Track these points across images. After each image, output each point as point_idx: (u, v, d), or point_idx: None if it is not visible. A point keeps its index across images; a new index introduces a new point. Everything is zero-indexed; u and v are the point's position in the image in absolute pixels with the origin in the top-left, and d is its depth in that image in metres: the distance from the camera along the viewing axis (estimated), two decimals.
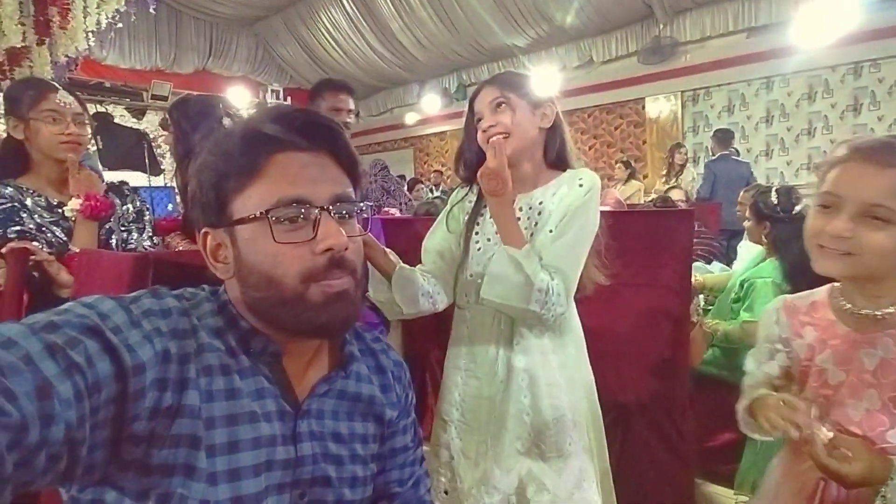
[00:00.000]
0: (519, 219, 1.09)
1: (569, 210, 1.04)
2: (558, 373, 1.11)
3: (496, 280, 1.00)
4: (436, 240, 1.19)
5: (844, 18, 5.01)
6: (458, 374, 1.16)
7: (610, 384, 1.66)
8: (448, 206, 1.22)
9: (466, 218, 1.17)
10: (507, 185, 1.00)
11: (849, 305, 0.82)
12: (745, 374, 0.97)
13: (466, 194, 1.20)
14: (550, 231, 1.04)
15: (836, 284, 0.86)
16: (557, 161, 1.14)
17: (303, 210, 0.58)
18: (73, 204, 1.28)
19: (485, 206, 1.14)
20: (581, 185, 1.06)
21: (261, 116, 0.61)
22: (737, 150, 5.22)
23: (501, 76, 1.13)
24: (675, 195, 3.94)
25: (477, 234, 1.15)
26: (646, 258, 1.70)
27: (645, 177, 6.46)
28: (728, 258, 3.37)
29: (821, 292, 0.89)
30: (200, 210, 0.62)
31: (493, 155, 1.00)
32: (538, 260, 1.01)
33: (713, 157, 4.91)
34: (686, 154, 5.29)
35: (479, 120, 1.10)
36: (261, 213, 0.57)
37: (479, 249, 1.13)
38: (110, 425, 0.49)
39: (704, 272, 2.56)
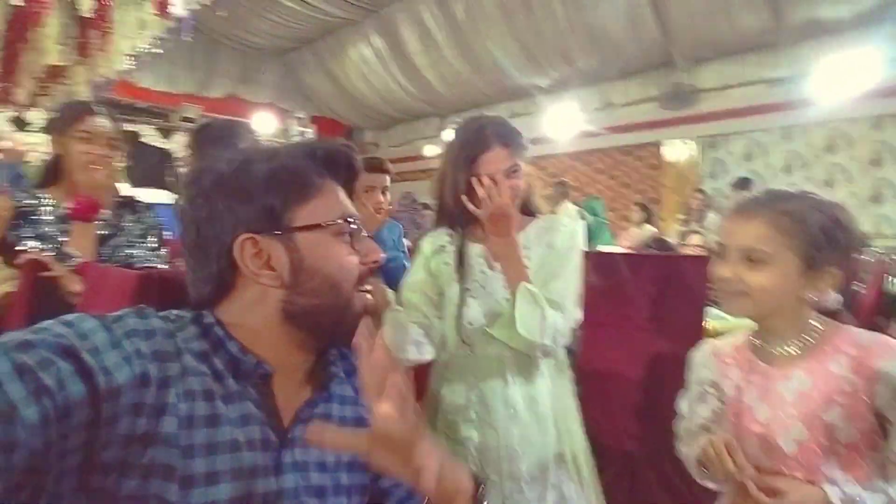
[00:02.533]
0: None
1: (560, 252, 1.12)
2: (572, 404, 1.18)
3: (525, 317, 1.03)
4: (418, 292, 1.17)
5: (866, 73, 5.02)
6: (470, 427, 1.12)
7: (617, 431, 1.60)
8: (422, 258, 1.20)
9: (454, 266, 1.16)
10: (514, 224, 1.04)
11: (763, 345, 0.91)
12: (680, 417, 1.03)
13: (445, 244, 1.19)
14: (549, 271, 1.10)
15: (752, 328, 0.95)
16: (526, 207, 1.19)
17: (357, 225, 0.66)
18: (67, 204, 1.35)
19: (474, 255, 1.15)
20: (565, 226, 1.15)
21: (315, 143, 0.69)
22: None
23: (514, 138, 1.13)
24: (695, 240, 3.89)
25: (466, 280, 1.14)
26: (659, 303, 1.67)
27: (661, 220, 6.42)
28: None
29: (740, 336, 0.98)
30: (239, 217, 0.60)
31: (496, 194, 1.02)
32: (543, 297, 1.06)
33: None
34: (702, 199, 5.26)
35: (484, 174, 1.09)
36: (338, 220, 0.63)
37: (473, 297, 1.13)
38: (80, 452, 0.47)
39: (719, 318, 2.50)
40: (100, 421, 0.47)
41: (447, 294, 1.16)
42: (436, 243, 1.20)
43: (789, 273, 0.83)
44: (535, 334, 1.02)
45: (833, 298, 0.90)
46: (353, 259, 0.65)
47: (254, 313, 0.62)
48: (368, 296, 0.68)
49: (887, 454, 0.79)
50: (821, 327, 0.86)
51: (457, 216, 1.14)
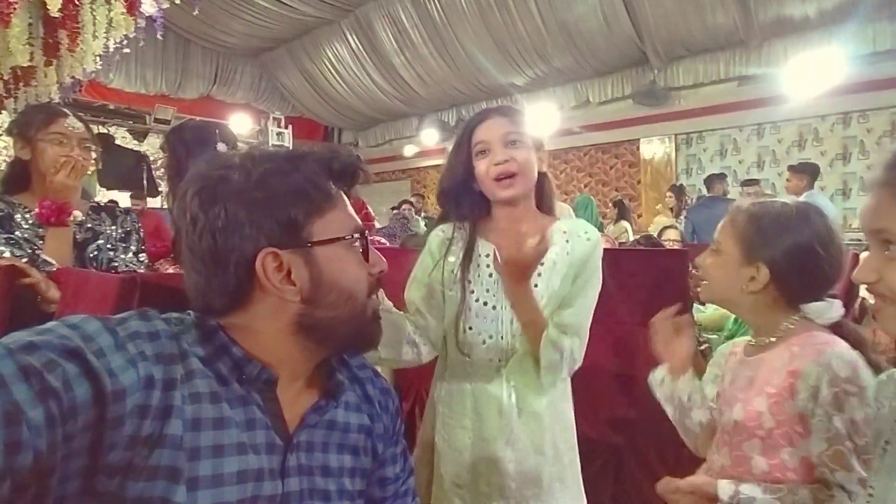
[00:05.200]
0: None
1: (583, 266, 1.06)
2: (570, 415, 1.14)
3: (550, 367, 1.01)
4: (419, 290, 1.10)
5: (833, 70, 5.18)
6: (465, 435, 1.07)
7: (603, 425, 1.63)
8: (428, 252, 1.13)
9: (458, 265, 1.08)
10: (531, 273, 0.97)
11: (751, 341, 0.98)
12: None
13: (453, 236, 1.11)
14: (571, 282, 1.06)
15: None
16: (546, 206, 1.13)
17: (366, 238, 0.67)
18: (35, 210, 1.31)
19: (482, 254, 1.08)
20: (589, 240, 1.08)
21: (330, 154, 0.67)
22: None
23: (510, 109, 1.10)
24: (671, 235, 3.96)
25: (470, 282, 1.07)
26: (641, 297, 1.70)
27: (639, 216, 6.53)
28: None
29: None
30: (262, 229, 0.58)
31: (515, 250, 0.94)
32: (556, 327, 1.02)
33: (690, 205, 5.01)
34: (674, 195, 5.36)
35: (483, 151, 1.04)
36: (351, 235, 0.64)
37: (476, 300, 1.07)
38: (85, 454, 0.47)
39: (697, 312, 2.56)
40: (105, 423, 0.47)
41: (448, 294, 1.08)
42: (442, 237, 1.12)
43: (731, 262, 0.91)
44: (557, 374, 1.03)
45: (833, 311, 0.90)
46: (364, 270, 0.66)
47: (265, 323, 0.61)
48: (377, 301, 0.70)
49: (811, 457, 0.81)
50: (792, 327, 0.89)
51: (466, 203, 1.08)
